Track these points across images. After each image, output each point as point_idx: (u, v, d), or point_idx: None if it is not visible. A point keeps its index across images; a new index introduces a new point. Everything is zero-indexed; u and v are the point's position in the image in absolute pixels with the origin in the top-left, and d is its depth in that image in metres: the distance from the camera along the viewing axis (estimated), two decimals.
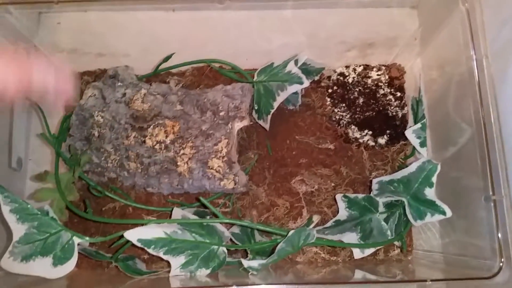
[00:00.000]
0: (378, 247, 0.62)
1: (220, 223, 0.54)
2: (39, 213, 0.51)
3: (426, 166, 0.53)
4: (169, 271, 0.53)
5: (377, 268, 0.62)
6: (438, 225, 0.63)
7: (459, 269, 0.55)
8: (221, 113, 0.61)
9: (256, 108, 0.64)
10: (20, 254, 0.50)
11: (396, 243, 0.64)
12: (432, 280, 0.45)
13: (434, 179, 0.53)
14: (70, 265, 0.51)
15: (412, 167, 0.54)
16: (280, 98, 0.60)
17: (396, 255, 0.65)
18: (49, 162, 0.67)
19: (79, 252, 0.53)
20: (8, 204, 0.50)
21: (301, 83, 0.58)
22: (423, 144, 0.60)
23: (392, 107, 0.69)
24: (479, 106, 0.50)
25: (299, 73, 0.59)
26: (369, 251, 0.60)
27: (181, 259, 0.52)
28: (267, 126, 0.63)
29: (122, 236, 0.51)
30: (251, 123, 0.66)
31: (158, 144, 0.61)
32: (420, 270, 0.61)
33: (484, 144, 0.49)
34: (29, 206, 0.50)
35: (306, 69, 0.65)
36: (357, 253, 0.60)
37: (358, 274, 0.59)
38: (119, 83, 0.64)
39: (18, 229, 0.50)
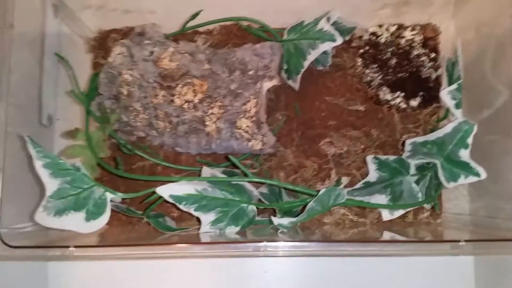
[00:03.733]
0: (408, 209, 0.61)
1: (249, 182, 0.54)
2: (72, 168, 0.51)
3: (462, 126, 0.51)
4: (198, 228, 0.54)
5: (405, 230, 0.62)
6: (469, 189, 0.62)
7: (491, 231, 0.55)
8: (250, 72, 0.60)
9: (285, 67, 0.63)
10: (53, 209, 0.50)
11: (426, 206, 0.63)
12: (465, 241, 0.45)
13: (469, 140, 0.51)
14: (103, 220, 0.52)
15: (447, 128, 0.53)
16: (311, 56, 0.59)
17: (425, 218, 0.64)
18: (78, 121, 0.67)
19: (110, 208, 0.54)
20: (41, 159, 0.50)
21: (334, 40, 0.56)
22: (458, 105, 0.58)
23: (425, 69, 0.66)
24: None
25: (332, 30, 0.57)
26: (398, 212, 0.59)
27: (211, 216, 0.52)
28: (296, 86, 0.62)
29: (153, 193, 0.51)
30: (280, 83, 0.64)
31: (186, 103, 0.60)
32: (450, 233, 0.61)
33: None
34: (62, 161, 0.51)
35: (338, 28, 0.63)
36: (386, 215, 0.59)
37: (387, 235, 0.58)
38: (147, 41, 0.63)
39: (51, 184, 0.51)
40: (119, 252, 0.47)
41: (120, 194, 0.52)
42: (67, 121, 0.66)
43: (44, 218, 0.50)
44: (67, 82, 0.65)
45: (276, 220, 0.51)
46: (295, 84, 0.62)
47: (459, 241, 0.45)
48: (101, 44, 0.70)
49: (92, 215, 0.52)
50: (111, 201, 0.53)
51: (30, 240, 0.52)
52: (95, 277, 0.66)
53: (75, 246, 0.48)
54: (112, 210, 0.56)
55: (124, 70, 0.62)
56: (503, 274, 0.59)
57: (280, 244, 0.45)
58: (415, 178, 0.59)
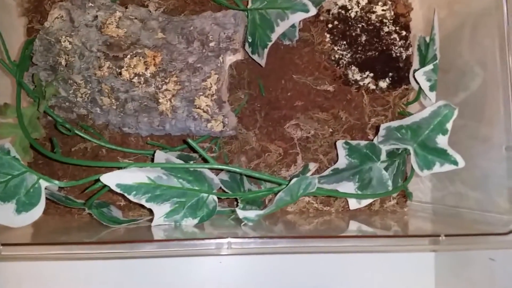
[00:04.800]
0: (377, 198, 0.58)
1: (211, 168, 0.48)
2: None
3: (441, 111, 0.48)
4: (150, 220, 0.48)
5: (371, 219, 0.59)
6: (437, 176, 0.60)
7: (461, 222, 0.52)
8: (211, 44, 0.54)
9: (250, 40, 0.56)
10: None
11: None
12: (446, 236, 0.41)
13: (449, 125, 0.48)
14: (36, 212, 0.45)
15: (425, 112, 0.49)
16: (280, 29, 0.53)
17: (392, 206, 0.61)
18: (8, 95, 0.58)
19: (45, 197, 0.47)
20: None
21: (307, 11, 0.50)
22: (432, 87, 0.54)
23: (396, 47, 0.63)
24: (505, 45, 0.45)
25: None
26: (366, 201, 0.56)
27: (166, 207, 0.46)
28: (262, 61, 0.56)
29: (97, 180, 0.44)
30: (243, 59, 0.58)
31: (136, 77, 0.53)
32: (416, 222, 0.58)
33: (509, 89, 0.45)
34: None
35: None
36: (353, 204, 0.56)
37: (353, 225, 0.55)
38: (90, 4, 0.55)
39: None
40: (54, 251, 0.40)
41: (57, 182, 0.46)
42: None
43: None
44: None
45: (241, 213, 0.45)
46: (261, 59, 0.56)
47: (439, 235, 0.41)
48: (37, 7, 0.62)
49: (23, 207, 0.45)
50: (46, 189, 0.46)
51: None
52: (28, 279, 0.58)
53: (3, 244, 0.41)
54: (48, 200, 0.49)
55: (63, 36, 0.54)
56: (463, 266, 0.57)
57: (247, 240, 0.40)
58: (384, 164, 0.55)
